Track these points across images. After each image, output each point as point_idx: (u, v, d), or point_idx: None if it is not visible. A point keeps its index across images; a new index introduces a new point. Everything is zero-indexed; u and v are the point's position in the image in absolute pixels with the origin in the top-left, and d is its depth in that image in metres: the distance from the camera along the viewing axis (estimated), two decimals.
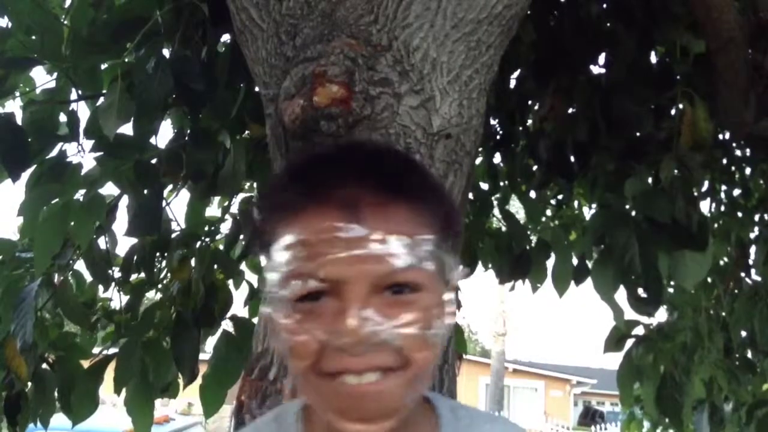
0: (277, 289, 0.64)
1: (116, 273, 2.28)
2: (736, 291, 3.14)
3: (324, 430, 0.70)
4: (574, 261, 2.64)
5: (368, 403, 0.62)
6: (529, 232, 2.88)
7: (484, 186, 2.88)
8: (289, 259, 0.63)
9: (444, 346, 0.70)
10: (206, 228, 2.43)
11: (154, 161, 2.09)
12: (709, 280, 2.97)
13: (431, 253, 0.65)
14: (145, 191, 2.00)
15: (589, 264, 2.40)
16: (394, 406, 0.63)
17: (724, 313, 3.05)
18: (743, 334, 2.99)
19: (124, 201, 2.10)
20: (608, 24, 2.36)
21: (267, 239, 0.67)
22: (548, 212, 3.22)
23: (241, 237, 2.43)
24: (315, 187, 0.65)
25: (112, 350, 2.17)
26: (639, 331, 2.54)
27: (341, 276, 0.61)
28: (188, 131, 2.11)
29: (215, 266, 2.25)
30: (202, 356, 2.10)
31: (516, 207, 3.23)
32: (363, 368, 0.62)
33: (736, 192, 3.19)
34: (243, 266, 2.49)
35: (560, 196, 3.04)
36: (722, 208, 3.17)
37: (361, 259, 0.61)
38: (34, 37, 1.92)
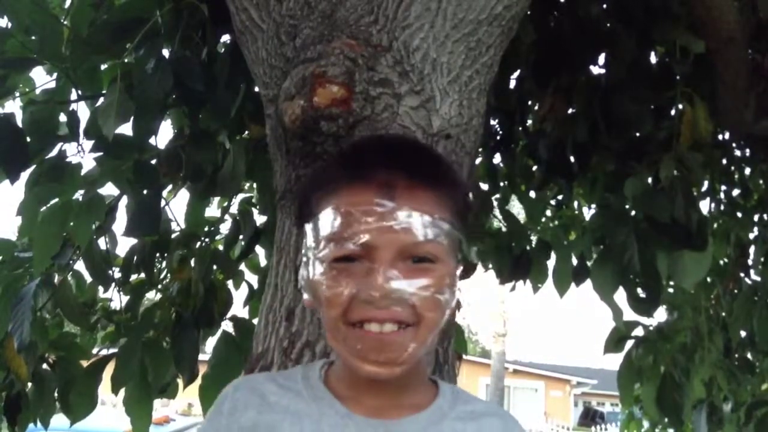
0: (315, 251, 0.78)
1: (116, 273, 2.28)
2: (735, 291, 3.14)
3: (341, 378, 0.83)
4: (574, 261, 2.64)
5: (385, 349, 0.75)
6: (529, 232, 2.88)
7: (484, 186, 2.88)
8: (330, 226, 0.76)
9: (450, 313, 0.80)
10: (206, 228, 2.43)
11: (153, 161, 2.09)
12: (708, 280, 2.97)
13: (447, 231, 0.78)
14: (145, 191, 2.00)
15: (589, 264, 2.41)
16: (405, 355, 0.75)
17: (723, 313, 3.05)
18: (743, 334, 2.99)
19: (124, 201, 2.10)
20: (608, 24, 2.36)
21: (311, 211, 0.80)
22: (548, 212, 3.22)
23: (241, 237, 2.43)
24: (357, 168, 0.78)
25: (112, 350, 2.17)
26: (639, 331, 2.54)
27: (374, 242, 0.74)
28: (188, 131, 2.11)
29: (215, 266, 2.25)
30: (202, 356, 2.10)
31: (516, 208, 3.23)
32: (385, 318, 0.75)
33: (736, 192, 3.19)
34: (243, 267, 2.49)
35: (560, 196, 3.04)
36: (722, 208, 3.17)
37: (390, 229, 0.75)
38: (34, 37, 1.92)
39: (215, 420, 0.84)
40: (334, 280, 0.76)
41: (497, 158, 2.87)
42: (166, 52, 1.92)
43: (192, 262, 2.20)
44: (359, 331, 0.75)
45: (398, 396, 0.82)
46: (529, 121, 2.77)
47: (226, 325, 2.17)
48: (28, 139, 1.92)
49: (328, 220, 0.77)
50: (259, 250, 2.49)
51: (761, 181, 3.23)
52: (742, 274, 3.20)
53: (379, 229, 0.74)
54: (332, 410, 0.81)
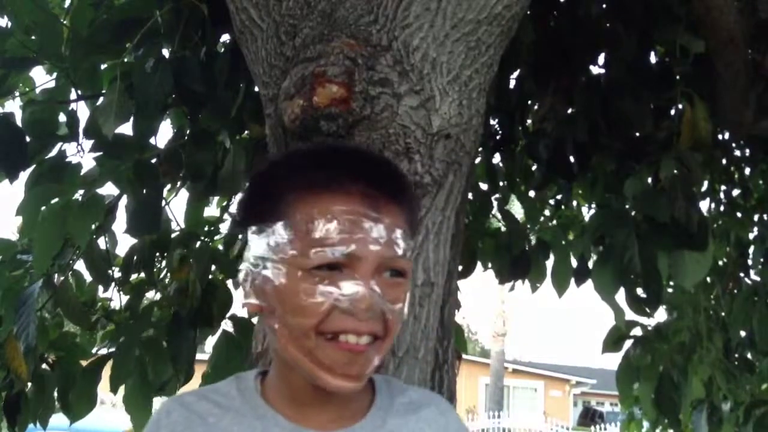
0: (289, 256, 0.74)
1: (116, 273, 2.28)
2: (735, 291, 3.14)
3: (282, 391, 0.81)
4: (574, 261, 2.63)
5: (357, 363, 0.74)
6: (528, 232, 2.88)
7: (484, 186, 2.88)
8: (315, 231, 0.74)
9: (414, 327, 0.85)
10: (205, 228, 2.43)
11: (153, 161, 2.09)
12: (708, 280, 2.97)
13: (411, 246, 0.80)
14: (145, 191, 2.00)
15: (589, 264, 2.41)
16: (370, 370, 0.76)
17: (723, 313, 3.05)
18: (742, 334, 2.99)
19: (124, 201, 2.10)
20: (608, 24, 2.36)
21: (279, 209, 0.77)
22: (547, 212, 3.22)
23: (240, 237, 2.43)
24: (341, 175, 0.76)
25: (112, 349, 2.17)
26: (637, 331, 2.54)
27: (360, 253, 0.73)
28: (188, 131, 2.11)
29: (214, 266, 2.25)
30: (202, 356, 2.10)
31: (516, 208, 3.23)
32: (363, 331, 0.74)
33: (736, 192, 3.19)
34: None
35: (560, 196, 3.04)
36: (721, 208, 3.17)
37: (376, 242, 0.74)
38: (34, 37, 1.92)
39: None
40: (314, 288, 0.73)
41: (497, 158, 2.87)
42: (165, 52, 1.92)
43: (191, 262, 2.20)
44: (333, 342, 0.74)
45: (346, 405, 0.81)
46: (529, 121, 2.77)
47: (226, 325, 2.16)
48: (28, 139, 1.92)
49: (309, 224, 0.74)
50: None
51: (761, 181, 3.23)
52: (741, 274, 3.20)
53: (365, 241, 0.73)
54: (278, 428, 0.78)
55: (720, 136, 2.74)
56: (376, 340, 0.75)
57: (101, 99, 1.95)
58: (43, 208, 1.89)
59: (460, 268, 1.91)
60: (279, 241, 0.76)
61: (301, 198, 0.76)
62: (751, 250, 3.23)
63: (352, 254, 0.73)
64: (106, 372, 2.06)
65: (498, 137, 2.75)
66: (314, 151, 0.86)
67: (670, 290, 2.80)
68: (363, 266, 0.73)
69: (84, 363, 2.14)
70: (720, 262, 3.21)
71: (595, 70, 2.45)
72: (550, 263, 2.71)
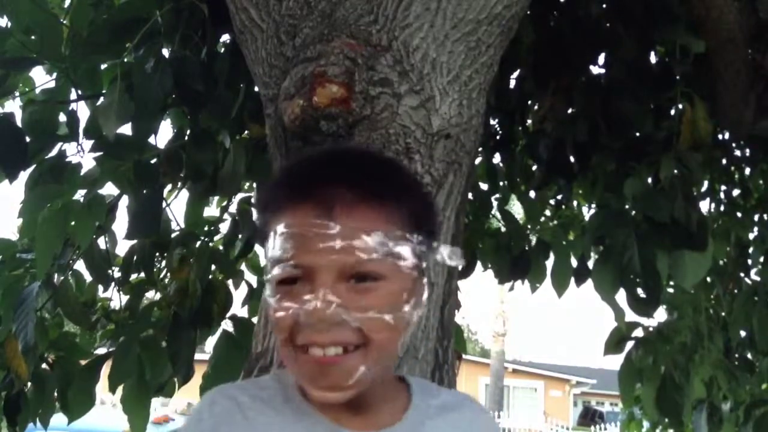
0: (267, 273, 0.77)
1: (116, 273, 2.28)
2: (735, 291, 3.14)
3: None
4: (573, 261, 2.63)
5: (331, 374, 0.73)
6: (528, 232, 2.88)
7: (484, 186, 2.88)
8: (274, 247, 0.75)
9: (415, 328, 0.79)
10: (205, 228, 2.43)
11: (153, 161, 2.09)
12: (708, 280, 2.97)
13: (396, 246, 0.75)
14: (145, 191, 2.00)
15: (589, 264, 2.40)
16: (353, 379, 0.73)
17: (723, 313, 3.05)
18: (742, 334, 2.99)
19: (124, 201, 2.10)
20: (608, 24, 2.36)
21: (263, 231, 0.80)
22: (548, 212, 3.22)
23: (240, 237, 2.43)
24: (297, 186, 0.76)
25: (111, 348, 2.17)
26: (639, 332, 2.54)
27: (312, 264, 0.72)
28: (188, 131, 2.11)
29: (213, 266, 2.25)
30: (202, 356, 2.10)
31: (516, 208, 3.23)
32: (327, 342, 0.72)
33: (736, 192, 3.19)
34: (242, 266, 2.49)
35: (560, 196, 3.04)
36: (721, 208, 3.17)
37: (329, 250, 0.72)
38: (34, 37, 1.92)
39: None
40: (278, 303, 0.75)
41: (497, 158, 2.87)
42: (166, 52, 1.92)
43: (191, 262, 2.20)
44: (305, 355, 0.74)
45: (374, 407, 0.80)
46: (529, 121, 2.77)
47: (226, 325, 2.16)
48: (28, 139, 1.92)
49: (272, 241, 0.75)
50: (259, 250, 2.49)
51: (761, 181, 3.23)
52: (742, 274, 3.20)
53: (317, 251, 0.72)
54: (320, 427, 0.78)
55: (720, 136, 2.74)
56: (358, 348, 0.73)
57: (101, 99, 1.95)
58: (44, 208, 1.89)
59: (460, 267, 1.91)
60: (264, 261, 0.79)
61: (271, 217, 0.77)
62: (751, 250, 3.23)
63: (304, 266, 0.73)
64: (106, 372, 2.06)
65: (498, 137, 2.75)
66: (285, 166, 0.88)
67: (670, 290, 2.80)
68: (320, 277, 0.72)
69: (83, 362, 2.14)
70: (720, 262, 3.20)
71: (595, 70, 2.45)
72: (550, 263, 2.71)
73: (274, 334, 0.78)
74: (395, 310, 0.74)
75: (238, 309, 2.33)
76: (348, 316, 0.72)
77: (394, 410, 0.82)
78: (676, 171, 1.99)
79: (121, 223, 2.29)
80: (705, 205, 2.87)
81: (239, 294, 2.39)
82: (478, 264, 2.80)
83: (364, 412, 0.79)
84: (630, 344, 2.52)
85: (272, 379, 0.85)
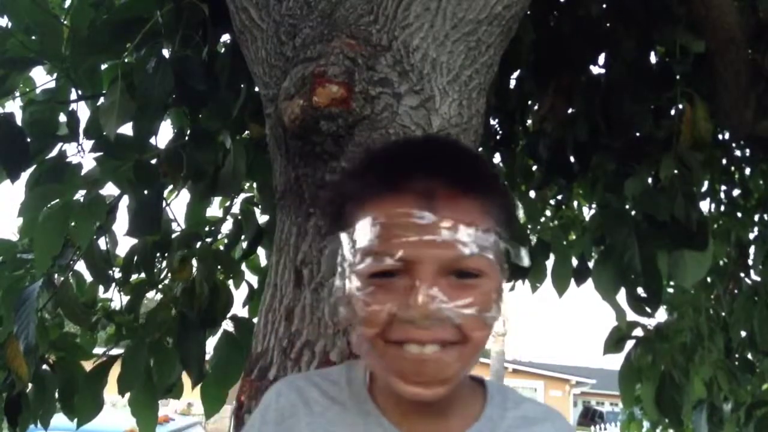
0: (353, 265, 0.72)
1: (116, 273, 2.28)
2: (735, 291, 3.14)
3: (387, 392, 0.78)
4: (574, 261, 2.63)
5: (427, 370, 0.69)
6: (528, 232, 2.88)
7: None
8: (366, 238, 0.71)
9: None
10: (207, 228, 2.43)
11: (154, 161, 2.09)
12: (708, 280, 2.97)
13: (494, 243, 0.72)
14: (145, 191, 2.00)
15: (590, 264, 2.40)
16: (448, 375, 0.70)
17: (723, 313, 3.05)
18: (743, 334, 2.99)
19: (124, 201, 2.10)
20: (608, 24, 2.36)
21: (345, 220, 0.75)
22: (548, 212, 3.22)
23: (242, 237, 2.43)
24: (394, 176, 0.72)
25: (114, 351, 2.17)
26: (639, 332, 2.54)
27: (414, 257, 0.69)
28: (188, 131, 2.11)
29: (218, 267, 2.25)
30: None
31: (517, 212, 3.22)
32: (426, 340, 0.69)
33: (736, 192, 3.19)
34: (243, 266, 2.49)
35: (560, 196, 3.04)
36: (722, 208, 3.17)
37: (432, 244, 0.69)
38: (34, 37, 1.92)
39: (261, 430, 0.79)
40: (371, 297, 0.70)
41: (497, 158, 2.87)
42: (166, 52, 1.92)
43: (193, 262, 2.20)
44: (399, 350, 0.70)
45: (446, 413, 0.77)
46: (529, 121, 2.77)
47: (227, 325, 2.16)
48: (29, 139, 1.92)
49: (364, 232, 0.71)
50: (260, 250, 2.50)
51: (761, 181, 3.23)
52: (742, 274, 3.20)
53: (419, 243, 0.69)
54: (380, 428, 0.76)
55: (720, 136, 2.74)
56: (454, 345, 0.70)
57: (102, 99, 1.95)
58: (45, 208, 1.89)
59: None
60: (345, 251, 0.74)
61: (359, 206, 0.74)
62: (752, 250, 3.23)
63: (405, 259, 0.69)
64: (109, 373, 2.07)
65: (498, 137, 2.75)
66: (375, 154, 0.82)
67: (670, 290, 2.80)
68: (421, 271, 0.69)
69: (86, 364, 2.13)
70: (720, 262, 3.21)
71: (595, 70, 2.45)
72: (550, 263, 2.71)
73: (360, 328, 0.72)
74: (491, 309, 0.72)
75: (239, 309, 2.33)
76: (450, 313, 0.69)
77: (464, 418, 0.78)
78: (676, 171, 1.99)
79: (121, 223, 2.29)
80: (705, 205, 2.87)
81: (239, 294, 2.39)
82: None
83: (433, 416, 0.76)
84: (630, 344, 2.52)
85: (341, 371, 0.83)
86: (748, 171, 3.12)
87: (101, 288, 2.30)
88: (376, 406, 0.78)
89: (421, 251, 0.69)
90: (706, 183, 2.92)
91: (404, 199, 0.70)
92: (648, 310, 2.03)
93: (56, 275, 2.09)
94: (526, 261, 0.73)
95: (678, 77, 2.18)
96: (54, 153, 2.04)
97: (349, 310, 0.73)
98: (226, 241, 2.47)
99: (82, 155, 2.01)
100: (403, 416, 0.76)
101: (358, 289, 0.72)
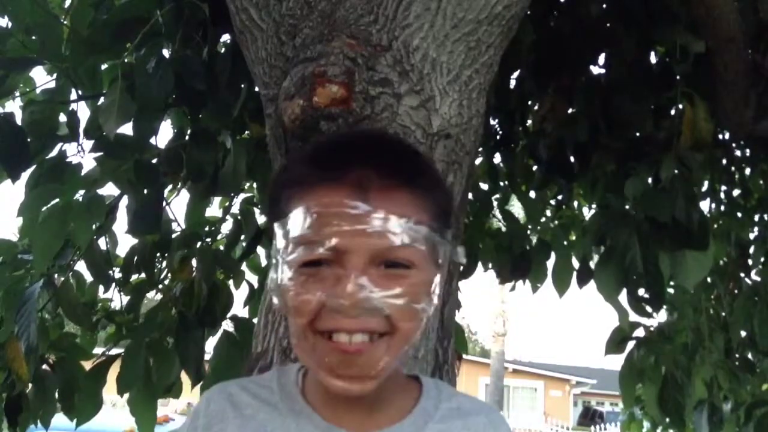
0: (285, 254, 0.72)
1: (116, 273, 2.28)
2: (735, 291, 3.13)
3: (319, 389, 0.78)
4: (574, 261, 2.63)
5: (355, 362, 0.70)
6: (529, 232, 2.88)
7: (484, 186, 2.88)
8: (299, 227, 0.71)
9: (428, 323, 0.76)
10: (207, 228, 2.43)
11: (154, 161, 2.09)
12: (709, 280, 2.97)
13: (426, 235, 0.72)
14: (145, 191, 2.00)
15: (591, 265, 2.40)
16: (376, 368, 0.71)
17: (724, 314, 3.05)
18: (743, 334, 2.99)
19: (124, 201, 2.10)
20: (608, 24, 2.36)
21: (280, 210, 0.75)
22: (548, 212, 3.22)
23: (242, 237, 2.43)
24: (329, 166, 0.73)
25: (114, 351, 2.17)
26: (640, 332, 2.54)
27: (345, 247, 0.69)
28: (189, 131, 2.11)
29: (217, 267, 2.25)
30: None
31: (516, 208, 3.23)
32: (355, 329, 0.69)
33: (736, 192, 3.19)
34: (243, 266, 2.49)
35: (560, 196, 3.04)
36: (722, 208, 3.17)
37: (363, 233, 0.69)
38: (34, 37, 1.92)
39: None
40: (302, 287, 0.71)
41: (497, 158, 2.87)
42: (166, 52, 1.92)
43: (193, 262, 2.20)
44: (328, 342, 0.70)
45: (378, 407, 0.78)
46: (529, 121, 2.77)
47: (227, 325, 2.17)
48: (29, 139, 1.92)
49: (297, 221, 0.71)
50: (260, 250, 2.50)
51: (761, 181, 3.23)
52: (742, 274, 3.20)
53: (351, 233, 0.69)
54: (312, 425, 0.76)
55: (720, 136, 2.74)
56: (382, 336, 0.70)
57: (102, 99, 1.95)
58: (44, 208, 1.89)
59: (461, 268, 1.91)
60: (279, 240, 0.74)
61: (294, 195, 0.74)
62: (752, 250, 3.23)
63: (336, 249, 0.69)
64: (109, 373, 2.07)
65: (498, 137, 2.75)
66: (315, 145, 0.82)
67: (670, 290, 2.80)
68: (350, 260, 0.69)
69: (86, 364, 2.14)
70: (720, 263, 3.20)
71: (595, 70, 2.45)
72: (550, 263, 2.71)
73: (292, 319, 0.72)
74: (421, 301, 0.72)
75: (238, 309, 2.33)
76: (378, 302, 0.69)
77: (398, 411, 0.79)
78: (676, 171, 1.99)
79: (121, 223, 2.29)
80: (705, 206, 2.87)
81: (240, 294, 2.39)
82: (479, 264, 2.79)
83: (366, 410, 0.77)
84: (631, 344, 2.52)
85: (273, 375, 0.83)
86: (748, 171, 3.12)
87: (101, 288, 2.30)
88: (307, 404, 0.78)
89: (352, 240, 0.69)
90: (706, 183, 2.91)
91: (338, 189, 0.71)
92: (650, 310, 2.03)
93: (56, 275, 2.09)
94: (462, 257, 0.72)
95: (678, 77, 2.18)
96: (54, 153, 2.04)
97: (281, 301, 0.74)
98: (226, 241, 2.47)
99: (82, 155, 2.01)
100: (335, 412, 0.77)
101: (289, 279, 0.72)
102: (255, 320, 1.29)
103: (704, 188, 2.91)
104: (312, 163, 0.75)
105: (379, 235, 0.69)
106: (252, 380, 0.85)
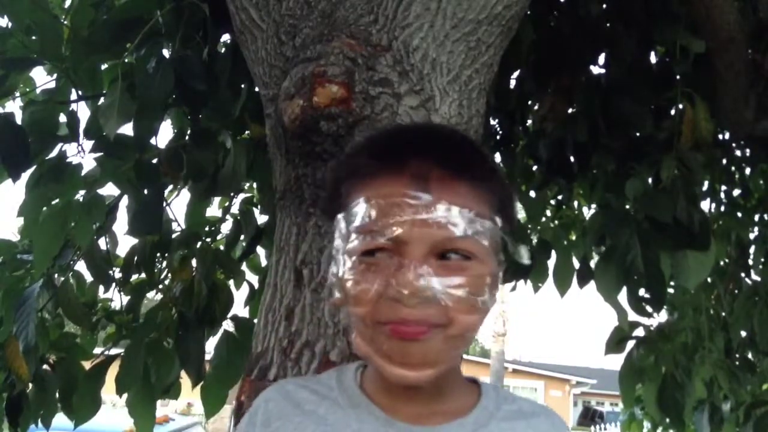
0: (344, 245, 0.73)
1: (117, 273, 2.27)
2: (735, 291, 3.13)
3: (377, 382, 0.78)
4: (575, 261, 2.63)
5: (413, 350, 0.69)
6: (529, 232, 2.88)
7: None
8: (360, 217, 0.72)
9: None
10: (207, 228, 2.43)
11: (154, 161, 2.09)
12: (709, 280, 2.97)
13: (489, 228, 0.73)
14: (146, 191, 2.00)
15: (591, 265, 2.40)
16: (434, 358, 0.70)
17: (724, 314, 3.05)
18: (743, 334, 2.99)
19: (125, 201, 2.10)
20: (608, 24, 2.36)
21: (341, 204, 0.76)
22: (548, 212, 3.22)
23: (242, 237, 2.43)
24: (388, 158, 0.73)
25: (114, 351, 2.17)
26: (640, 332, 2.54)
27: (406, 236, 0.69)
28: (189, 131, 2.11)
29: (217, 266, 2.25)
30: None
31: (517, 208, 3.22)
32: (413, 319, 0.69)
33: (736, 192, 3.19)
34: (244, 266, 2.49)
35: (560, 196, 3.04)
36: (722, 208, 3.17)
37: (425, 223, 0.69)
38: (34, 37, 1.92)
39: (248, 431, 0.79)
40: (361, 275, 0.71)
41: (497, 158, 2.87)
42: (166, 52, 1.92)
43: (193, 262, 2.20)
44: (386, 329, 0.70)
45: (437, 401, 0.78)
46: (529, 121, 2.77)
47: (227, 325, 2.17)
48: (29, 139, 1.91)
49: (358, 211, 0.72)
50: (260, 250, 2.50)
51: (762, 181, 3.23)
52: (742, 274, 3.20)
53: (412, 223, 0.69)
54: (372, 417, 0.76)
55: (720, 136, 2.74)
56: (439, 327, 0.70)
57: (102, 99, 1.95)
58: (44, 209, 1.89)
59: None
60: (340, 232, 0.75)
61: (354, 186, 0.74)
62: (752, 250, 3.23)
63: (397, 238, 0.69)
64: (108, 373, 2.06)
65: (498, 137, 2.75)
66: (371, 137, 0.82)
67: (670, 290, 2.80)
68: (411, 250, 0.69)
69: (86, 364, 2.14)
70: (721, 263, 3.20)
71: (595, 70, 2.45)
72: (550, 263, 2.71)
73: (352, 309, 0.72)
74: (481, 294, 0.72)
75: (239, 309, 2.33)
76: (438, 292, 0.69)
77: (458, 407, 0.79)
78: (677, 171, 1.99)
79: (121, 223, 2.29)
80: (706, 206, 2.87)
81: (240, 294, 2.39)
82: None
83: (424, 403, 0.77)
84: (631, 344, 2.52)
85: (331, 375, 0.84)
86: (748, 171, 3.12)
87: (101, 288, 2.30)
88: (367, 397, 0.78)
89: (413, 230, 0.69)
90: (706, 183, 2.91)
91: (399, 180, 0.71)
92: (650, 310, 2.03)
93: (56, 275, 2.09)
94: (526, 259, 0.72)
95: (678, 77, 2.18)
96: (54, 153, 2.04)
97: (342, 292, 0.73)
98: (226, 241, 2.47)
99: (82, 155, 2.00)
100: (394, 405, 0.77)
101: (349, 269, 0.72)
102: (255, 320, 1.29)
103: (704, 188, 2.90)
104: (370, 155, 0.76)
105: (440, 225, 0.69)
106: (309, 379, 0.87)
